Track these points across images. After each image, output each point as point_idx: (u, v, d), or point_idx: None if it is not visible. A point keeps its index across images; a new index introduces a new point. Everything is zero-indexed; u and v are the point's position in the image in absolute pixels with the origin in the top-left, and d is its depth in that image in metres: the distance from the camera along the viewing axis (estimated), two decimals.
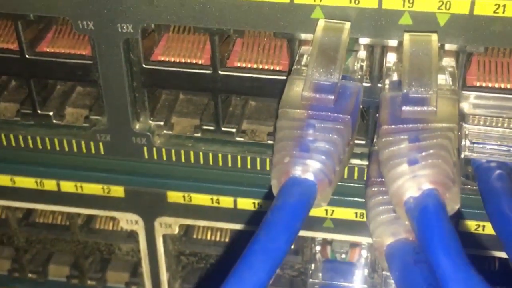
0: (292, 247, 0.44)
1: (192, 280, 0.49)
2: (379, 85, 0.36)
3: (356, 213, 0.41)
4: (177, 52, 0.38)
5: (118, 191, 0.43)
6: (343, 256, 0.45)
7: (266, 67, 0.38)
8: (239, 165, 0.40)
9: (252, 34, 0.39)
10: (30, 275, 0.51)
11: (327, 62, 0.33)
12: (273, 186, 0.31)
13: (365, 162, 0.38)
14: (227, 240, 0.46)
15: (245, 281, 0.27)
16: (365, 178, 0.37)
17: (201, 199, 0.42)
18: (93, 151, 0.41)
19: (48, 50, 0.39)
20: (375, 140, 0.37)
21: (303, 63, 0.35)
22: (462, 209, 0.39)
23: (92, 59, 0.38)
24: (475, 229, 0.40)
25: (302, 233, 0.41)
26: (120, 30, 0.36)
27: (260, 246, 0.28)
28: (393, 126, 0.31)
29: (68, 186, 0.43)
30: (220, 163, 0.40)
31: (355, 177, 0.39)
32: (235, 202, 0.42)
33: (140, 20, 0.36)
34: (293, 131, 0.31)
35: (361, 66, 0.36)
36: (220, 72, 0.38)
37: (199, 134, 0.40)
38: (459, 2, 0.33)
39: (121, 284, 0.50)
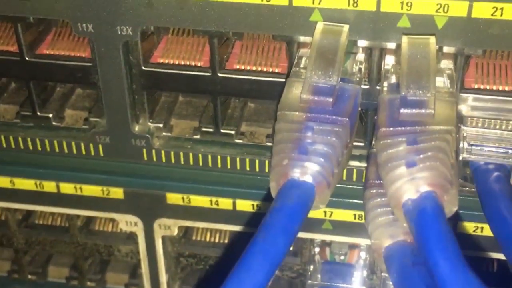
0: (291, 248, 0.44)
1: (191, 282, 0.49)
2: (378, 87, 0.36)
3: (354, 214, 0.41)
4: (176, 54, 0.39)
5: (117, 192, 0.43)
6: (342, 257, 0.45)
7: (265, 70, 0.38)
8: (238, 167, 0.40)
9: (251, 37, 0.39)
10: (29, 276, 0.51)
11: (326, 65, 0.33)
12: (271, 188, 0.31)
13: (364, 164, 0.38)
14: (226, 241, 0.46)
15: (244, 283, 0.27)
16: (363, 180, 0.37)
17: (200, 200, 0.42)
18: (92, 153, 0.41)
19: (47, 52, 0.39)
20: (373, 142, 0.37)
21: (301, 65, 0.35)
22: (461, 211, 0.39)
23: (92, 61, 0.38)
24: (474, 231, 0.40)
25: (301, 234, 0.41)
26: (119, 32, 0.36)
27: (258, 248, 0.28)
28: (391, 129, 0.31)
29: (67, 188, 0.43)
30: (219, 165, 0.41)
31: (354, 179, 0.40)
32: (234, 203, 0.42)
33: (140, 22, 0.36)
34: (291, 134, 0.31)
35: (360, 69, 0.36)
36: (219, 75, 0.38)
37: (198, 136, 0.40)
38: (457, 5, 0.33)
39: (120, 286, 0.50)
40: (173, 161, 0.41)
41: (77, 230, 0.47)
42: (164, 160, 0.41)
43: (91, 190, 0.43)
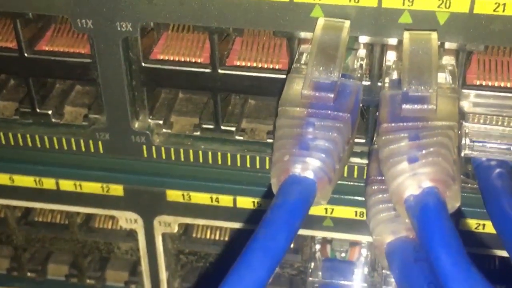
0: (292, 246, 0.44)
1: (191, 279, 0.48)
2: (379, 84, 0.36)
3: (356, 211, 0.40)
4: (177, 50, 0.38)
5: (117, 189, 0.42)
6: (343, 255, 0.45)
7: (265, 66, 0.38)
8: (238, 164, 0.40)
9: (251, 33, 0.39)
10: (29, 274, 0.51)
11: (327, 61, 0.33)
12: (272, 184, 0.31)
13: (365, 161, 0.38)
14: (226, 239, 0.46)
15: (245, 279, 0.27)
16: (365, 177, 0.37)
17: (201, 197, 0.42)
18: (92, 150, 0.41)
19: (47, 48, 0.39)
20: (375, 138, 0.37)
21: (302, 61, 0.35)
22: (463, 208, 0.39)
23: (91, 58, 0.38)
24: (476, 228, 0.40)
25: (301, 231, 0.41)
26: (119, 28, 0.36)
27: (259, 244, 0.28)
28: (393, 124, 0.31)
29: (67, 185, 0.43)
30: (220, 162, 0.40)
31: (355, 176, 0.39)
32: (234, 200, 0.42)
33: (139, 18, 0.36)
34: (292, 129, 0.31)
35: (361, 65, 0.36)
36: (219, 71, 0.37)
37: (198, 133, 0.40)
38: (459, 0, 0.32)
39: (120, 283, 0.50)
40: (173, 158, 0.41)
41: (76, 228, 0.47)
42: (164, 157, 0.41)
43: (91, 187, 0.43)
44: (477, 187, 0.35)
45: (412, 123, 0.31)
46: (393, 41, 0.34)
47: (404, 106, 0.31)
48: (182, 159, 0.41)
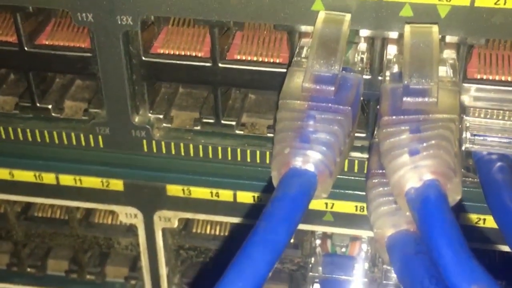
0: (292, 241, 0.44)
1: (191, 274, 0.48)
2: (380, 77, 0.36)
3: (356, 206, 0.40)
4: (177, 44, 0.38)
5: (117, 184, 0.42)
6: (343, 250, 0.45)
7: (266, 60, 0.37)
8: (238, 158, 0.40)
9: (252, 27, 0.39)
10: (29, 269, 0.50)
11: (328, 54, 0.33)
12: (273, 178, 0.31)
13: (366, 155, 0.38)
14: (226, 234, 0.46)
15: (245, 273, 0.27)
16: (365, 171, 0.37)
17: (201, 192, 0.42)
18: (92, 144, 0.41)
19: (47, 42, 0.39)
20: (375, 132, 0.37)
21: (303, 55, 0.35)
22: (463, 202, 0.39)
23: (91, 52, 0.38)
24: (476, 222, 0.40)
25: (302, 226, 0.41)
26: (119, 22, 0.36)
27: (260, 237, 0.28)
28: (394, 117, 0.31)
29: (67, 180, 0.43)
30: (220, 156, 0.40)
31: (355, 170, 0.39)
32: (234, 195, 0.41)
33: (140, 12, 0.36)
34: (293, 122, 0.31)
35: (362, 58, 0.36)
36: (220, 65, 0.37)
37: (198, 127, 0.40)
38: None
39: (120, 279, 0.50)
40: (173, 152, 0.41)
41: (76, 223, 0.47)
42: (164, 151, 0.41)
43: (91, 182, 0.43)
44: (478, 181, 0.35)
45: (413, 116, 0.30)
46: (394, 34, 0.34)
47: (405, 99, 0.31)
48: (183, 153, 0.41)
